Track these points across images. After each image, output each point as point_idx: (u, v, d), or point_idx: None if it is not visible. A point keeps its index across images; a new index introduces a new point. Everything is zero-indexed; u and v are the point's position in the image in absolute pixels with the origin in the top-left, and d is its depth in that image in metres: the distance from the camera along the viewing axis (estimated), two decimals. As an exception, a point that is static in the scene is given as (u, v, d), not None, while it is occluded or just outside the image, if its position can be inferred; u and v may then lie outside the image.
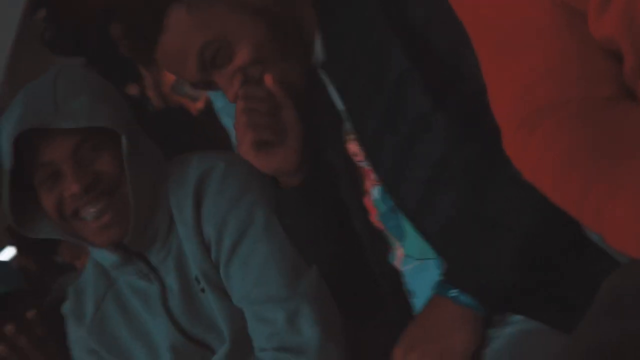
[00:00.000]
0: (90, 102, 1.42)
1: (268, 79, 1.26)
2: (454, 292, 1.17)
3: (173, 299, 1.50)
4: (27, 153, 1.42)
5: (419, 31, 1.21)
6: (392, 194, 1.27)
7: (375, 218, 1.34)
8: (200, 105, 3.69)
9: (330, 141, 1.35)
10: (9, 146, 1.39)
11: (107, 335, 1.56)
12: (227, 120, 3.20)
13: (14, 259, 3.40)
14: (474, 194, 1.20)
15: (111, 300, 1.56)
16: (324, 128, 1.36)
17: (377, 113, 1.26)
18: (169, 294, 1.50)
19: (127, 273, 1.52)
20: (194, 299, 1.49)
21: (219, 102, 3.23)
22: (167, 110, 3.43)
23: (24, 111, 1.41)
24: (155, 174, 1.50)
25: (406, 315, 1.33)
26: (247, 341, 1.47)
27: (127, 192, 1.43)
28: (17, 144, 1.39)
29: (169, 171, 1.52)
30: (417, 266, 1.31)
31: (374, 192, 1.32)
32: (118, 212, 1.43)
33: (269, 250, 1.44)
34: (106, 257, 1.51)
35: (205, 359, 1.51)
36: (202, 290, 1.47)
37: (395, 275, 1.35)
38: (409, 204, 1.26)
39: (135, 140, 1.45)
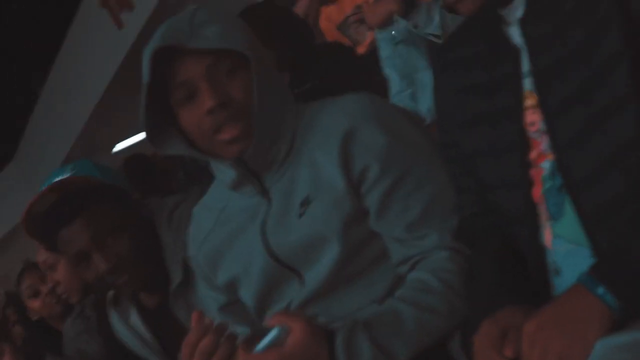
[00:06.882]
0: (223, 30, 1.53)
1: None
2: (600, 290, 1.15)
3: (271, 220, 1.58)
4: (167, 75, 1.54)
5: (637, 20, 1.19)
6: (562, 164, 1.27)
7: (538, 192, 1.33)
8: (361, 50, 3.76)
9: (506, 101, 1.36)
10: (148, 62, 1.51)
11: (212, 250, 1.68)
12: (389, 71, 3.28)
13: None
14: None
15: (224, 219, 1.66)
16: (500, 84, 1.37)
17: (574, 82, 1.25)
18: (270, 215, 1.58)
19: (242, 191, 1.62)
20: (289, 222, 1.56)
21: (385, 51, 3.31)
22: (331, 44, 3.49)
23: (164, 33, 1.53)
24: (281, 104, 1.58)
25: (544, 293, 1.33)
26: (343, 270, 1.53)
27: (253, 115, 1.52)
28: (156, 65, 1.51)
29: (317, 106, 1.62)
30: (570, 249, 1.30)
31: (545, 165, 1.32)
32: (246, 130, 1.53)
33: (435, 189, 1.53)
34: (228, 173, 1.61)
35: (291, 282, 1.59)
36: (300, 215, 1.54)
37: (542, 253, 1.35)
38: (575, 175, 1.26)
39: (265, 70, 1.54)
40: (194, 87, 1.52)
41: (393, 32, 3.18)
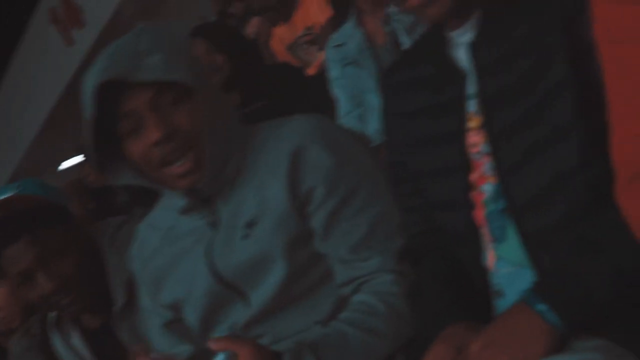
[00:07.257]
0: (168, 59, 1.49)
1: None
2: (542, 307, 1.17)
3: (217, 242, 1.58)
4: (112, 106, 1.51)
5: (585, 51, 1.20)
6: (505, 188, 1.29)
7: (480, 214, 1.35)
8: (311, 71, 3.77)
9: (450, 123, 1.37)
10: (91, 97, 1.47)
11: (157, 270, 1.68)
12: (338, 91, 3.29)
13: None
14: (581, 214, 1.22)
15: (170, 239, 1.66)
16: (446, 107, 1.38)
17: (519, 107, 1.27)
18: (216, 237, 1.58)
19: (192, 217, 1.62)
20: (234, 244, 1.56)
21: (334, 72, 3.32)
22: (281, 65, 3.50)
23: (106, 64, 1.50)
24: (229, 129, 1.58)
25: (487, 314, 1.34)
26: (288, 290, 1.54)
27: (202, 144, 1.51)
28: (101, 96, 1.47)
29: (265, 127, 1.62)
30: (513, 271, 1.32)
31: (486, 189, 1.33)
32: (197, 161, 1.52)
33: (380, 210, 1.54)
34: (178, 201, 1.61)
35: (236, 303, 1.58)
36: (245, 237, 1.54)
37: (485, 275, 1.36)
38: (518, 199, 1.28)
39: (211, 97, 1.54)
40: (139, 118, 1.50)
41: (341, 42, 3.18)
